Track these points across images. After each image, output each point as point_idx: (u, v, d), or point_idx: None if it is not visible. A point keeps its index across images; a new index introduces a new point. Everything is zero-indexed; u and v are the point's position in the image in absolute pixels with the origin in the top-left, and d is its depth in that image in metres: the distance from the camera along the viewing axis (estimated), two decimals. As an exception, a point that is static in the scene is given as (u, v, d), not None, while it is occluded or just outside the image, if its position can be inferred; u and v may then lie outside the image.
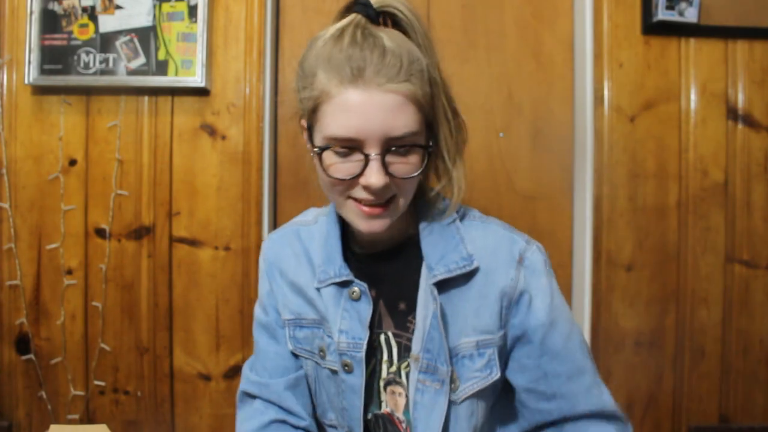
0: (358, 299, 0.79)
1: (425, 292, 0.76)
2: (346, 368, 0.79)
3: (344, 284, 0.80)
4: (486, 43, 1.73)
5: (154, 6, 1.61)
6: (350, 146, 0.68)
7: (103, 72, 1.61)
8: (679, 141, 1.65)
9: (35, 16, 1.60)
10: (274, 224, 1.73)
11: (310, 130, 0.72)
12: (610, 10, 1.64)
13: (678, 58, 1.65)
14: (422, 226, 0.79)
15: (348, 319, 0.79)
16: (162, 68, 1.61)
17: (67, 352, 1.67)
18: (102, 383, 1.67)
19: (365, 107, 0.65)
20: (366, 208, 0.71)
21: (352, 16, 0.70)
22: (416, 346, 0.75)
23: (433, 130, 0.73)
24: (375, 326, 0.79)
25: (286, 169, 1.75)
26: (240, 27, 1.65)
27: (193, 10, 1.61)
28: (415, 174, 0.70)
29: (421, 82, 0.68)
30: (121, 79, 1.61)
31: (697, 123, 1.65)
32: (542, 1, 1.74)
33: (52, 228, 1.66)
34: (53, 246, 1.66)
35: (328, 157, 0.69)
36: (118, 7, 1.61)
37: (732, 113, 1.65)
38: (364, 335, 0.78)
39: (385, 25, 0.72)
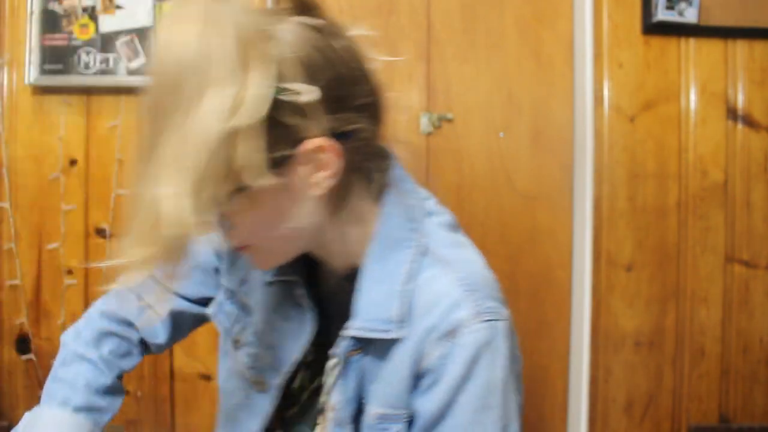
0: (301, 307, 0.67)
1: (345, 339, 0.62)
2: (257, 386, 0.68)
3: (291, 284, 0.68)
4: (486, 43, 1.73)
5: (154, 6, 1.61)
6: None
7: (103, 72, 1.61)
8: (679, 141, 1.65)
9: (35, 16, 1.60)
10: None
11: None
12: (610, 10, 1.64)
13: (678, 58, 1.65)
14: (374, 244, 0.62)
15: (281, 333, 0.67)
16: (162, 68, 1.61)
17: (67, 352, 1.67)
18: (102, 383, 1.67)
19: None
20: None
21: None
22: (335, 395, 0.63)
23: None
24: (328, 347, 0.67)
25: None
26: (240, 27, 1.65)
27: (193, 10, 1.61)
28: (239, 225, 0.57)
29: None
30: (122, 79, 1.61)
31: (697, 123, 1.65)
32: (542, 1, 1.74)
33: (53, 228, 1.66)
34: (53, 246, 1.66)
35: None
36: (119, 7, 1.61)
37: (732, 113, 1.65)
38: (290, 360, 0.66)
39: None
